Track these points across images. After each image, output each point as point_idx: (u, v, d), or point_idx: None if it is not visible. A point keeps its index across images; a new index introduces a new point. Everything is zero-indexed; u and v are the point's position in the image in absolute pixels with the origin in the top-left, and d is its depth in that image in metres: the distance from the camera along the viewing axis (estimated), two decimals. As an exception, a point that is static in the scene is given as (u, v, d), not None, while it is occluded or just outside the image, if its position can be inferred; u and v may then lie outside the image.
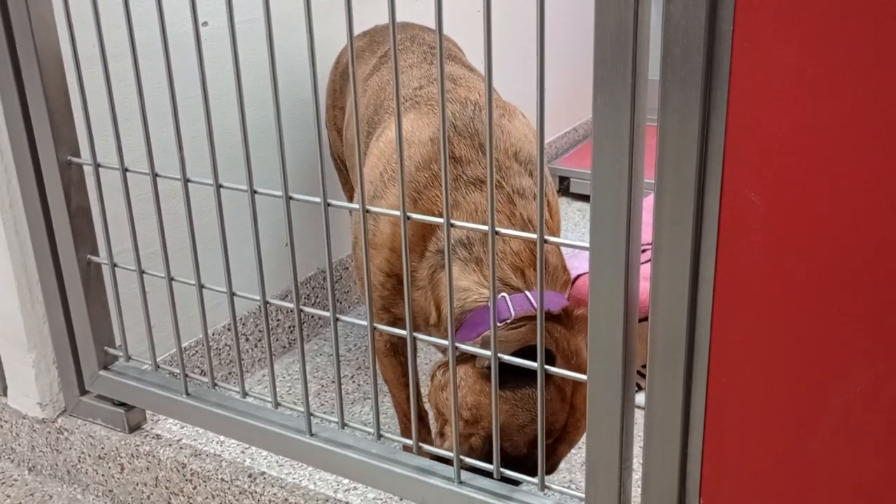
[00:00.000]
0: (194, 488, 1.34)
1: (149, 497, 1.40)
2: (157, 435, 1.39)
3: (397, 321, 1.31)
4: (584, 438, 1.13)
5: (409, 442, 1.13)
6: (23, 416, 1.49)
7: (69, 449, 1.46)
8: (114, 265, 1.29)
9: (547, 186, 1.15)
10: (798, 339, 0.78)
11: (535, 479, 1.05)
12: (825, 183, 0.73)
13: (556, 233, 1.34)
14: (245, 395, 1.25)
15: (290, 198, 1.07)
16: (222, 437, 1.37)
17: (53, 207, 1.29)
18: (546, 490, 1.04)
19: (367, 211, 1.03)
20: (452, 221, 0.97)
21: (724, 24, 0.72)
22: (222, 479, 1.30)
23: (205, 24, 1.58)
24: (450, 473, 1.10)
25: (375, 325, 1.08)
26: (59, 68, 1.23)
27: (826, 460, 0.81)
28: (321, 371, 1.84)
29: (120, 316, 1.33)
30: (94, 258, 1.32)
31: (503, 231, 0.95)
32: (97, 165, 1.23)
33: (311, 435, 1.19)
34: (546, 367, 0.97)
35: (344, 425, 1.18)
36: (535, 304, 1.15)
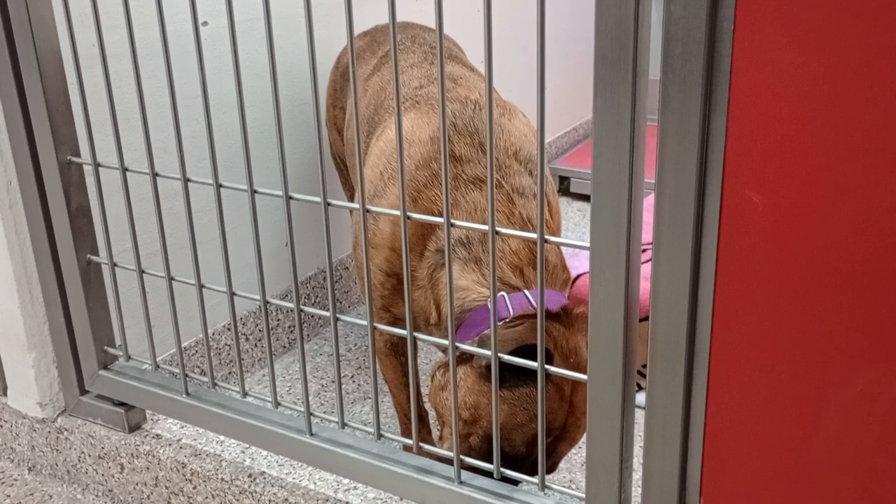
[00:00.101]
0: (194, 488, 1.34)
1: (149, 497, 1.40)
2: (157, 435, 1.39)
3: (397, 321, 1.31)
4: (584, 438, 1.13)
5: (409, 442, 1.13)
6: (23, 415, 1.49)
7: (69, 449, 1.46)
8: (114, 265, 1.29)
9: (547, 186, 1.15)
10: (798, 338, 0.78)
11: (535, 479, 1.05)
12: (825, 183, 0.73)
13: (556, 232, 1.34)
14: (245, 394, 1.25)
15: (291, 197, 1.07)
16: (222, 437, 1.37)
17: (53, 207, 1.29)
18: (546, 490, 1.04)
19: (368, 211, 1.03)
20: (452, 221, 0.97)
21: (724, 23, 0.72)
22: (222, 479, 1.30)
23: (205, 23, 1.58)
24: (450, 473, 1.10)
25: (375, 324, 1.08)
26: (58, 68, 1.23)
27: (826, 460, 0.81)
28: (321, 371, 1.84)
29: (120, 316, 1.33)
30: (94, 258, 1.32)
31: (504, 231, 0.95)
32: (97, 165, 1.23)
33: (311, 435, 1.19)
34: (546, 367, 0.97)
35: (344, 425, 1.18)
36: (533, 303, 1.15)
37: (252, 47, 1.69)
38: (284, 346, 1.92)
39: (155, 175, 1.17)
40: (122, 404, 1.40)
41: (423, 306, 1.26)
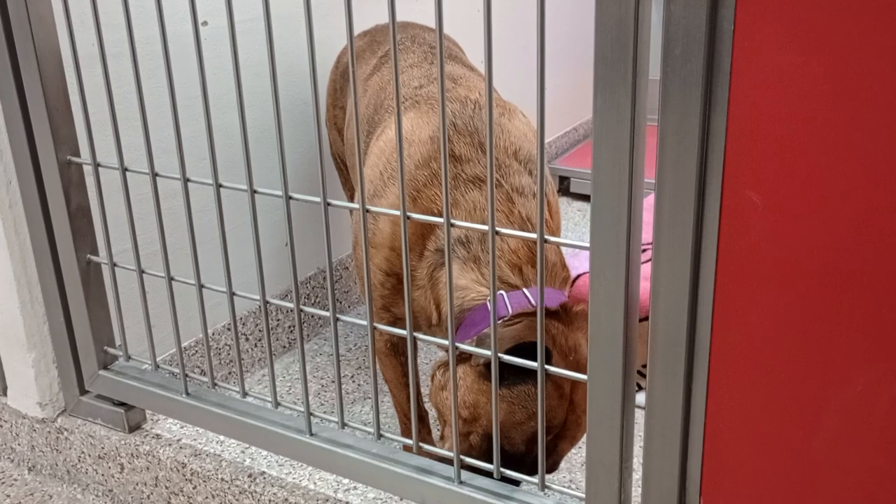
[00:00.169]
0: (194, 488, 1.34)
1: (149, 497, 1.40)
2: (157, 435, 1.39)
3: (397, 321, 1.31)
4: (584, 438, 1.13)
5: (409, 442, 1.13)
6: (23, 415, 1.49)
7: (69, 449, 1.46)
8: (114, 265, 1.29)
9: (546, 186, 1.15)
10: (798, 338, 0.78)
11: (535, 479, 1.05)
12: (825, 183, 0.73)
13: (556, 232, 1.34)
14: (245, 394, 1.25)
15: (290, 197, 1.07)
16: (222, 437, 1.37)
17: (53, 207, 1.28)
18: (546, 490, 1.04)
19: (368, 211, 1.03)
20: (452, 221, 0.97)
21: (724, 23, 0.72)
22: (222, 479, 1.30)
23: (205, 23, 1.58)
24: (450, 473, 1.10)
25: (375, 324, 1.08)
26: (58, 68, 1.23)
27: (826, 460, 0.81)
28: (321, 371, 1.84)
29: (120, 316, 1.33)
30: (94, 258, 1.32)
31: (504, 231, 0.95)
32: (97, 165, 1.23)
33: (311, 435, 1.19)
34: (546, 366, 0.97)
35: (344, 425, 1.18)
36: (532, 301, 1.15)
37: (252, 47, 1.69)
38: (284, 346, 1.92)
39: (155, 175, 1.17)
40: (122, 404, 1.40)
41: (424, 306, 1.26)
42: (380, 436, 1.15)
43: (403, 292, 1.06)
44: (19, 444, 1.54)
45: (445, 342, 1.03)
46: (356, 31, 1.79)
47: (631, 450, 0.95)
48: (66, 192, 1.27)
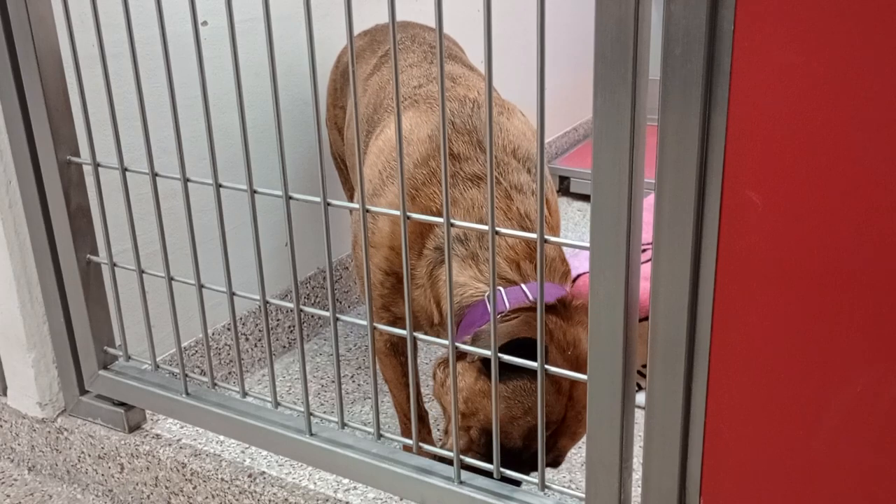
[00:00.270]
0: (194, 488, 1.34)
1: (149, 497, 1.40)
2: (157, 435, 1.39)
3: (397, 320, 1.31)
4: (583, 438, 1.13)
5: (409, 442, 1.13)
6: (22, 415, 1.49)
7: (69, 449, 1.46)
8: (114, 265, 1.29)
9: (546, 184, 1.15)
10: (798, 339, 0.78)
11: (534, 479, 1.05)
12: (826, 183, 0.73)
13: (555, 228, 1.35)
14: (245, 394, 1.25)
15: (290, 198, 1.07)
16: (222, 437, 1.37)
17: (53, 207, 1.28)
18: (546, 490, 1.04)
19: (368, 211, 1.03)
20: (452, 221, 0.97)
21: (724, 23, 0.72)
22: (222, 479, 1.30)
23: (204, 23, 1.58)
24: (450, 473, 1.10)
25: (375, 324, 1.08)
26: (58, 68, 1.23)
27: (826, 460, 0.81)
28: (321, 371, 1.84)
29: (120, 316, 1.33)
30: (93, 258, 1.32)
31: (504, 231, 0.95)
32: (97, 165, 1.23)
33: (311, 435, 1.19)
34: (546, 366, 0.97)
35: (344, 425, 1.18)
36: (530, 296, 1.15)
37: (252, 47, 1.69)
38: (284, 346, 1.92)
39: (155, 175, 1.17)
40: (121, 404, 1.40)
41: (424, 305, 1.26)
42: (380, 436, 1.15)
43: (403, 291, 1.06)
44: (19, 444, 1.54)
45: (444, 342, 1.04)
46: (356, 31, 1.79)
47: (631, 450, 0.95)
48: (65, 192, 1.27)
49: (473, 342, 1.09)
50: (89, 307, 1.33)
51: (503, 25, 2.56)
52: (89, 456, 1.44)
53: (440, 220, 0.98)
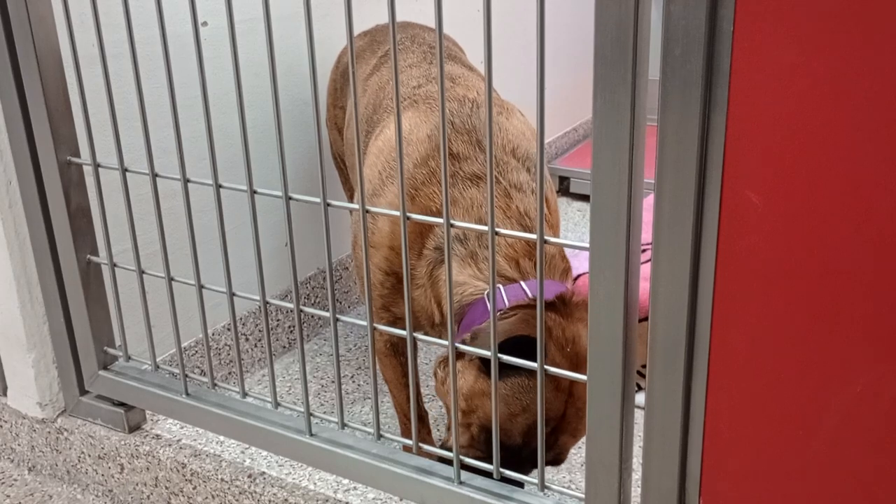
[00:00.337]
0: (194, 488, 1.34)
1: (149, 497, 1.40)
2: (157, 435, 1.39)
3: (397, 320, 1.31)
4: (583, 438, 1.13)
5: (409, 442, 1.13)
6: (23, 416, 1.49)
7: (69, 449, 1.46)
8: (114, 265, 1.29)
9: (545, 183, 1.15)
10: (798, 339, 0.78)
11: (534, 480, 1.05)
12: (825, 183, 0.73)
13: (555, 227, 1.35)
14: (245, 395, 1.25)
15: (290, 198, 1.07)
16: (222, 438, 1.37)
17: (53, 207, 1.28)
18: (546, 490, 1.04)
19: (367, 211, 1.03)
20: (452, 221, 0.97)
21: (724, 23, 0.72)
22: (222, 479, 1.30)
23: (204, 23, 1.58)
24: (450, 473, 1.10)
25: (375, 325, 1.08)
26: (58, 68, 1.23)
27: (826, 460, 0.81)
28: (321, 371, 1.84)
29: (120, 316, 1.33)
30: (93, 258, 1.32)
31: (504, 232, 0.95)
32: (97, 165, 1.23)
33: (311, 435, 1.19)
34: (546, 367, 0.97)
35: (344, 425, 1.18)
36: (529, 294, 1.15)
37: (252, 47, 1.69)
38: (284, 347, 1.92)
39: (155, 175, 1.17)
40: (121, 404, 1.40)
41: (424, 305, 1.26)
42: (380, 436, 1.15)
43: (403, 291, 1.06)
44: (19, 445, 1.54)
45: (444, 342, 1.04)
46: (356, 31, 1.79)
47: (631, 450, 0.95)
48: (65, 193, 1.27)
49: (471, 341, 1.10)
50: (89, 307, 1.33)
51: (503, 25, 2.56)
52: (89, 456, 1.44)
53: (440, 220, 0.98)
